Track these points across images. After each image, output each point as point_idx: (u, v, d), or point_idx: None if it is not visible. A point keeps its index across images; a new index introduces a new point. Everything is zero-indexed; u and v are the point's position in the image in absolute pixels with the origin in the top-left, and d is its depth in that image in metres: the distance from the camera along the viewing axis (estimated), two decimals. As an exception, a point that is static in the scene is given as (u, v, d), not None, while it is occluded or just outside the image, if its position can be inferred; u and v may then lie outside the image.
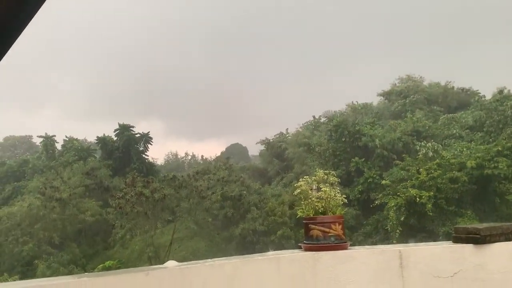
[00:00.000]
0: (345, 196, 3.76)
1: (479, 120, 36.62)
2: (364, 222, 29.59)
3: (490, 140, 31.40)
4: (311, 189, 3.77)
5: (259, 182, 35.55)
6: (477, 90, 48.18)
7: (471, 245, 3.40)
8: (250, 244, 26.24)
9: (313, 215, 3.59)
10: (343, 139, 36.21)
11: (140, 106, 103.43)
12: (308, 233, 3.51)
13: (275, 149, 45.30)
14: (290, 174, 38.36)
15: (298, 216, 3.74)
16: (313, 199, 3.66)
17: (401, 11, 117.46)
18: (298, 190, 3.75)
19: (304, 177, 3.85)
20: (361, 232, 28.60)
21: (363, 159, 34.06)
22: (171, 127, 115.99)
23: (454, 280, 3.34)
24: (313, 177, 3.82)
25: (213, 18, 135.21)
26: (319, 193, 3.69)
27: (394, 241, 23.47)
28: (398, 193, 25.60)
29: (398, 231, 24.51)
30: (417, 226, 25.11)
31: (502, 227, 3.47)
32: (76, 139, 49.98)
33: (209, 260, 3.18)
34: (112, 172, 39.17)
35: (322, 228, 3.45)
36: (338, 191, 3.78)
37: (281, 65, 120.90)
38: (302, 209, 3.68)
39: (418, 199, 24.26)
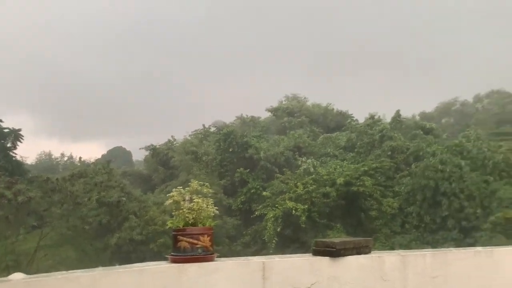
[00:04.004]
0: (216, 208, 3.76)
1: (351, 141, 40.32)
2: (244, 232, 30.30)
3: (360, 160, 34.68)
4: (183, 200, 3.71)
5: (140, 189, 34.26)
6: (351, 114, 53.14)
7: (327, 257, 3.66)
8: (126, 254, 25.04)
9: (183, 226, 3.54)
10: (231, 150, 36.90)
11: (7, 97, 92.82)
12: (176, 244, 3.45)
13: (161, 156, 44.21)
14: (175, 182, 37.74)
15: (168, 227, 3.65)
16: (184, 210, 3.61)
17: (292, 37, 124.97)
18: (170, 201, 3.67)
19: (178, 187, 3.78)
20: (240, 242, 29.21)
21: (248, 170, 35.03)
22: (44, 124, 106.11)
23: (310, 291, 3.55)
24: (186, 188, 3.78)
25: (108, 16, 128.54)
26: (191, 204, 3.65)
27: (271, 251, 24.47)
28: (276, 205, 26.78)
29: (274, 241, 25.58)
30: (292, 237, 26.49)
31: (355, 242, 3.82)
32: None
33: (64, 272, 2.93)
34: (-30, 169, 34.39)
35: (191, 240, 3.41)
36: (211, 202, 3.78)
37: (172, 71, 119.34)
38: (172, 220, 3.61)
39: (294, 211, 25.65)
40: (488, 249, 4.63)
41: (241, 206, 32.88)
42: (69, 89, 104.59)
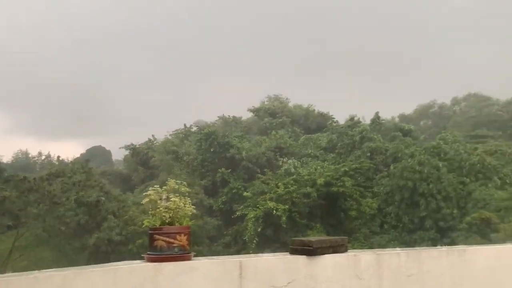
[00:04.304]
0: (194, 207, 3.74)
1: (331, 142, 40.65)
2: (224, 232, 30.22)
3: (340, 161, 35.00)
4: (160, 199, 3.69)
5: (119, 189, 33.83)
6: (332, 115, 53.56)
7: (304, 256, 3.68)
8: (104, 255, 24.69)
9: (160, 225, 3.52)
10: (212, 150, 36.77)
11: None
12: (153, 243, 3.42)
13: (141, 156, 43.76)
14: (155, 182, 37.36)
15: (144, 225, 3.62)
16: (161, 209, 3.58)
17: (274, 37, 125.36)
18: (147, 200, 3.64)
19: (154, 186, 3.75)
20: (221, 243, 29.12)
21: (229, 170, 34.96)
22: (21, 122, 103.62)
23: (287, 289, 3.57)
24: (164, 187, 3.75)
25: (84, 14, 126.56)
26: (168, 203, 3.63)
27: (251, 251, 24.46)
28: (257, 205, 26.80)
29: (255, 241, 25.58)
30: (273, 237, 26.54)
31: (331, 240, 3.85)
32: None
33: (35, 271, 2.87)
34: None
35: (167, 239, 3.39)
36: (189, 201, 3.76)
37: (153, 70, 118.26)
38: (149, 219, 3.58)
39: (274, 211, 25.70)
40: (461, 248, 4.72)
41: (222, 206, 32.78)
42: (48, 87, 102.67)
